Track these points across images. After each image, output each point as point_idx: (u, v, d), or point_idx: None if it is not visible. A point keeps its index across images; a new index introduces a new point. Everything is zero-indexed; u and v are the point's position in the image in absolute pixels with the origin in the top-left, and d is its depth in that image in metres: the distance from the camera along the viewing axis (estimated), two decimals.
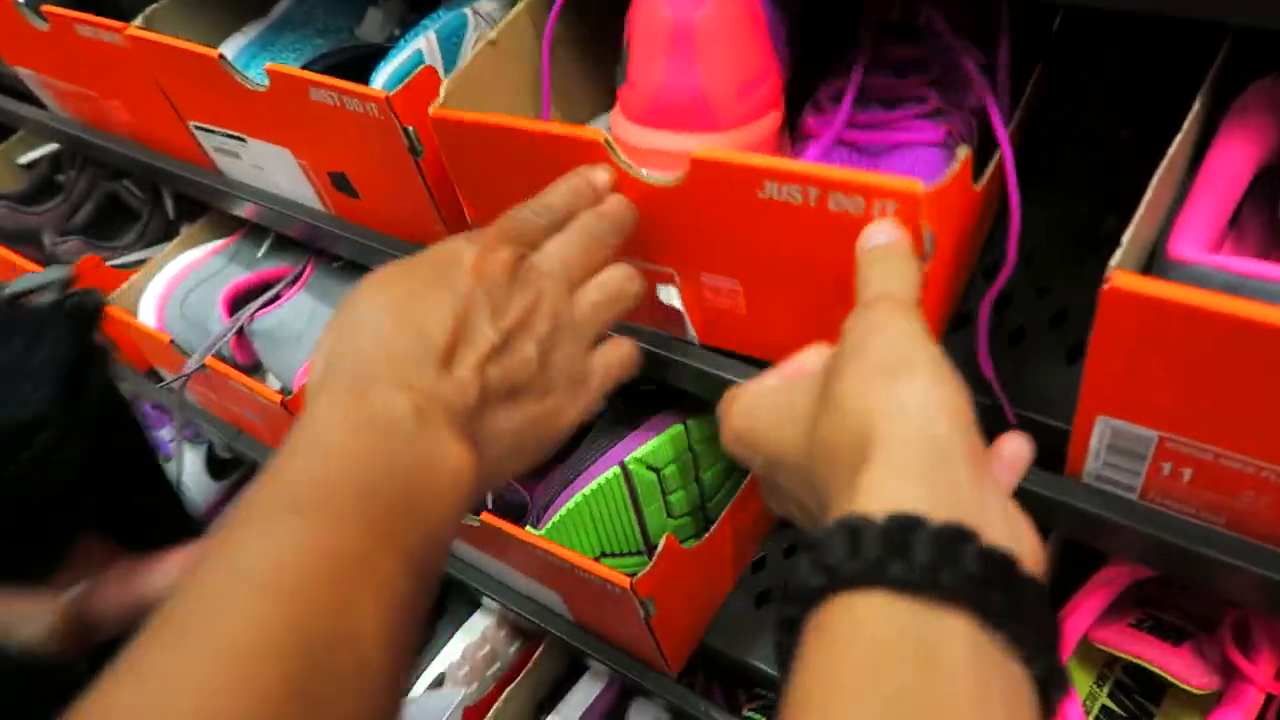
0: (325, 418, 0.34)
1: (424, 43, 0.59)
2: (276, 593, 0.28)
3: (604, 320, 0.44)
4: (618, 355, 0.46)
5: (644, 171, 0.47)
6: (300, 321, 0.77)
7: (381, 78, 0.58)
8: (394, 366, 0.35)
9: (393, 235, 0.67)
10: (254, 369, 0.84)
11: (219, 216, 0.92)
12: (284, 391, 0.75)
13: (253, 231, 0.88)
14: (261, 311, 0.79)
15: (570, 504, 0.61)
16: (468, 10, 0.60)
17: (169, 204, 0.95)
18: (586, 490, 0.60)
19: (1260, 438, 0.37)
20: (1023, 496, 0.46)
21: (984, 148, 0.50)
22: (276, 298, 0.80)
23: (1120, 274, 0.35)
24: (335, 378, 0.35)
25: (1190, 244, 0.39)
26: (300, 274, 0.81)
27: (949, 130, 0.48)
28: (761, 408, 0.38)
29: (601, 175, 0.46)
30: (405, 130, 0.56)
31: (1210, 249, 0.40)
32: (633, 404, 0.65)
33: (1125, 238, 0.36)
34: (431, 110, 0.52)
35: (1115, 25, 0.67)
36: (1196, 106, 0.40)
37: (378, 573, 0.31)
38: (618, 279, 0.45)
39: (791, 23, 0.53)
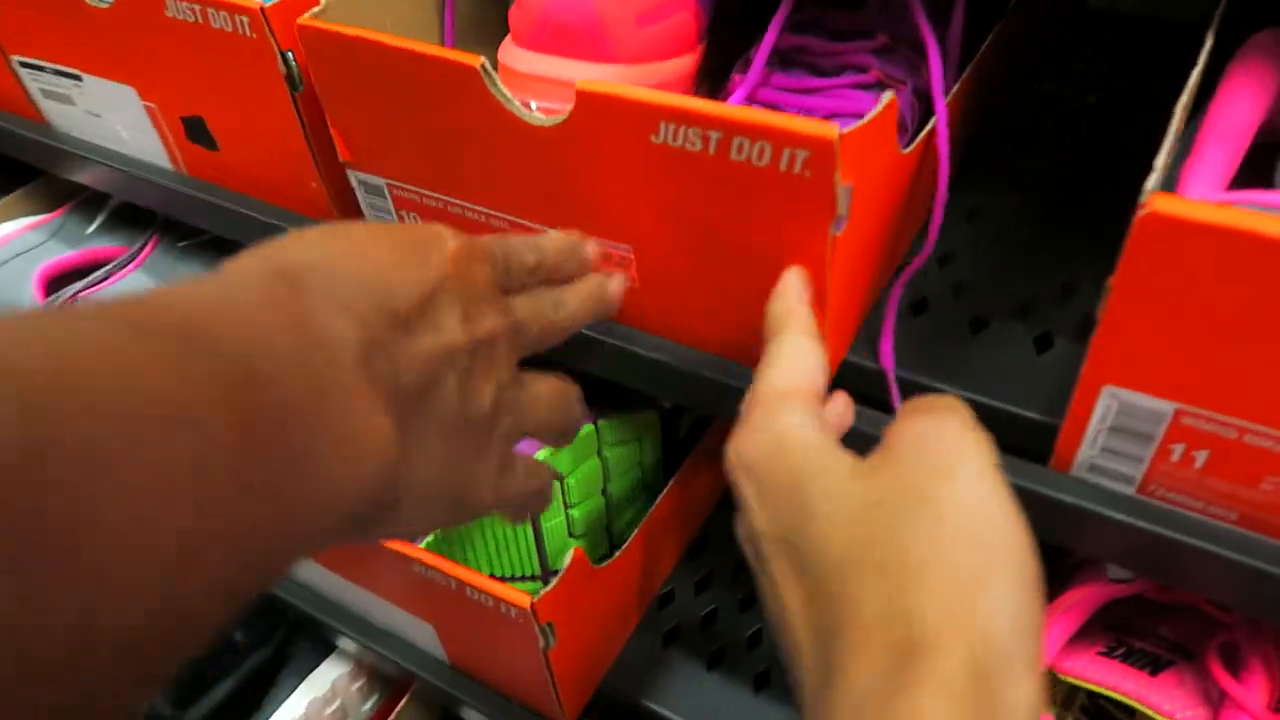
0: (246, 282, 0.27)
1: None
2: None
3: (551, 421, 0.40)
4: (538, 481, 0.40)
5: (533, 105, 0.40)
6: None
7: None
8: (348, 288, 0.29)
9: (259, 198, 0.57)
10: None
11: (41, 189, 0.79)
12: None
13: (84, 205, 0.75)
14: (87, 292, 0.66)
15: None
16: None
17: None
18: None
19: None
20: None
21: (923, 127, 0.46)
22: (105, 278, 0.68)
23: (1162, 197, 0.29)
24: (269, 254, 0.29)
25: (1203, 190, 0.35)
26: (138, 252, 0.69)
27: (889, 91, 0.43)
28: (796, 455, 0.30)
29: (591, 248, 0.42)
30: (283, 55, 0.47)
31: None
32: None
33: (1158, 161, 0.31)
34: (303, 18, 0.44)
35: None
36: (1209, 44, 0.36)
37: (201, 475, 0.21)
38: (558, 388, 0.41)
39: None
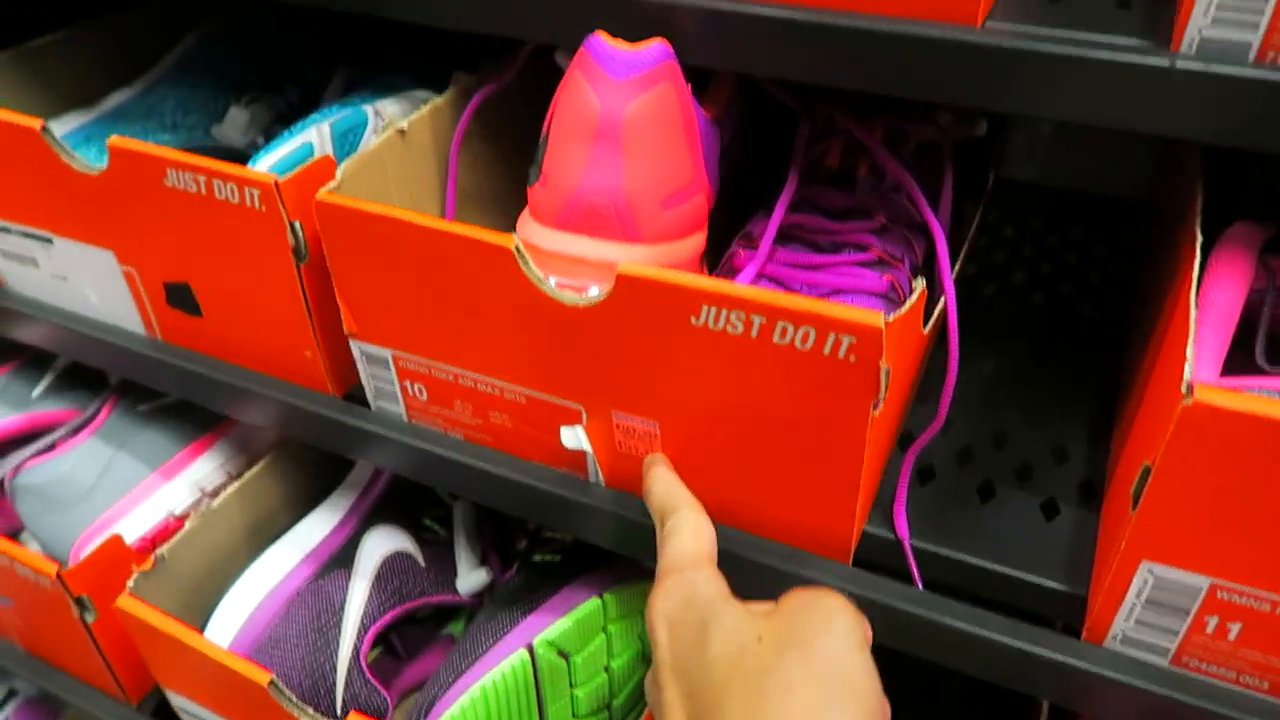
0: None
1: (315, 134, 0.50)
2: None
3: None
4: None
5: (551, 282, 0.41)
6: (89, 476, 0.61)
7: (262, 165, 0.49)
8: None
9: (239, 364, 0.56)
10: (9, 536, 0.65)
11: None
12: (56, 560, 0.58)
13: (29, 365, 0.71)
14: (32, 461, 0.62)
15: (466, 700, 0.48)
16: (368, 108, 0.53)
17: None
18: (488, 682, 0.48)
19: None
20: (1023, 662, 0.40)
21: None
22: (53, 446, 0.64)
23: (1204, 389, 0.31)
24: None
25: (1206, 373, 0.37)
26: (93, 416, 0.65)
27: (891, 281, 0.46)
28: (702, 607, 0.36)
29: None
30: (292, 226, 0.46)
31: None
32: (533, 575, 0.55)
33: (1189, 353, 0.33)
34: (321, 193, 0.44)
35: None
36: (1199, 242, 0.39)
37: None
38: None
39: (724, 146, 0.50)
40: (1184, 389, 0.32)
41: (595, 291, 0.41)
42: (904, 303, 0.47)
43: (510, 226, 0.59)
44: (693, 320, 0.38)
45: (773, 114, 0.57)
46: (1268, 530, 0.33)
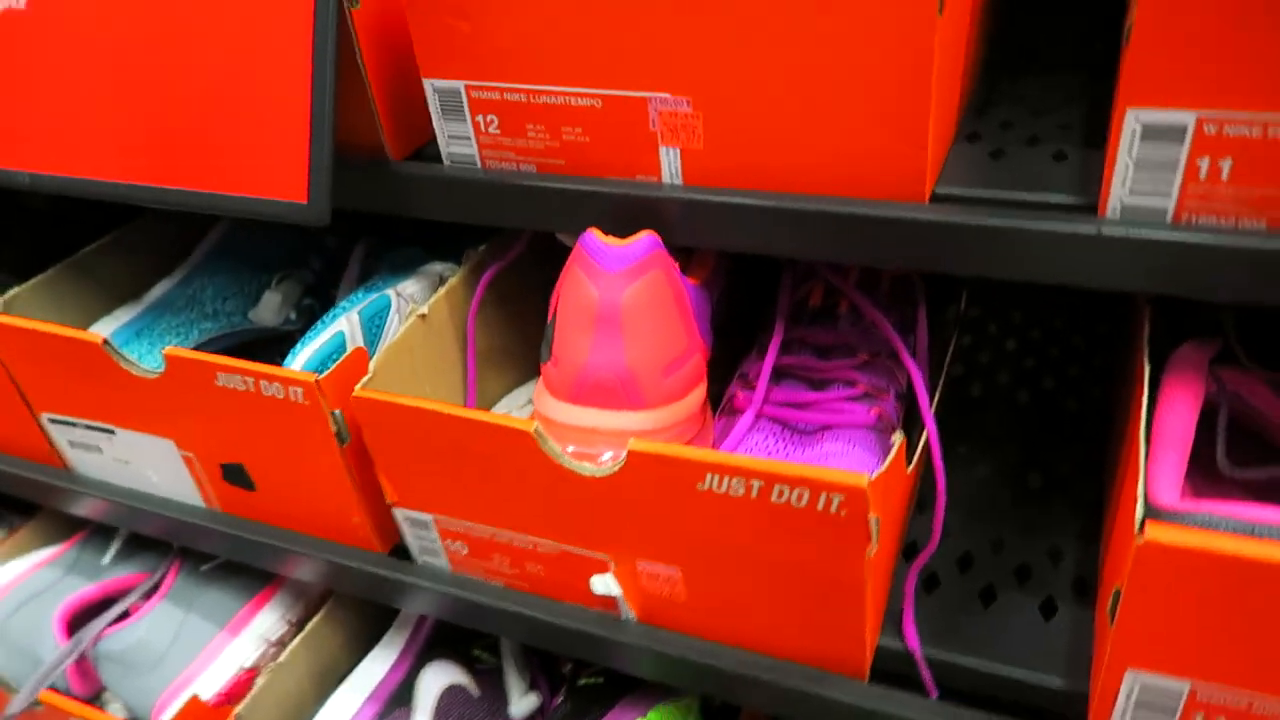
0: None
1: (345, 323, 0.56)
2: None
3: None
4: None
5: (568, 455, 0.46)
6: (164, 640, 0.66)
7: (301, 359, 0.54)
8: None
9: (290, 528, 0.61)
10: (94, 699, 0.70)
11: (48, 521, 0.80)
12: None
13: (96, 535, 0.77)
14: (111, 629, 0.67)
15: None
16: (390, 291, 0.59)
17: None
18: None
19: None
20: None
21: (905, 421, 0.53)
22: (128, 614, 0.69)
23: (1154, 526, 0.35)
24: None
25: (1168, 495, 0.41)
26: (160, 581, 0.71)
27: (879, 413, 0.50)
28: None
29: None
30: (333, 415, 0.52)
31: (1178, 497, 0.42)
32: (579, 700, 0.59)
33: (1139, 491, 0.38)
34: (358, 389, 0.49)
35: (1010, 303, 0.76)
36: (1146, 369, 0.44)
37: None
38: None
39: (714, 302, 0.55)
40: (1137, 528, 0.36)
41: (608, 457, 0.45)
42: (891, 431, 0.52)
43: (522, 380, 0.65)
44: (699, 486, 0.43)
45: (759, 259, 0.62)
46: (1232, 641, 0.37)
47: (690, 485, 0.43)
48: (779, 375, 0.54)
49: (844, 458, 0.49)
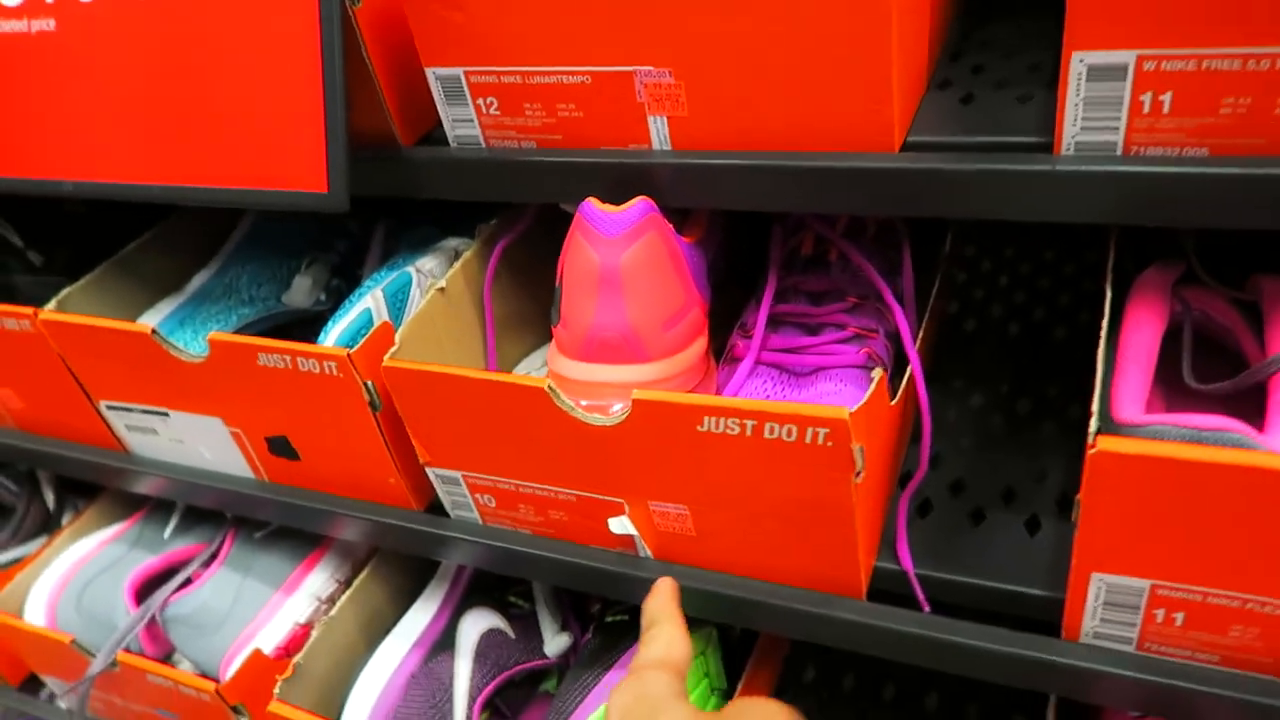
0: None
1: (371, 300, 0.60)
2: None
3: None
4: None
5: (580, 408, 0.50)
6: (225, 602, 0.72)
7: (333, 336, 0.59)
8: None
9: (334, 493, 0.66)
10: (165, 659, 0.76)
11: (111, 501, 0.86)
12: (210, 677, 0.69)
13: (156, 512, 0.83)
14: (176, 595, 0.73)
15: None
16: (410, 268, 0.63)
17: (48, 494, 0.89)
18: None
19: (1243, 573, 0.41)
20: (1021, 664, 0.48)
21: (899, 359, 0.56)
22: (190, 580, 0.75)
23: (1104, 439, 0.39)
24: None
25: (1130, 410, 0.45)
26: (217, 550, 0.76)
27: (868, 353, 0.54)
28: (657, 701, 0.42)
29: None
30: (366, 385, 0.56)
31: (1142, 412, 0.46)
32: (607, 636, 0.64)
33: (1094, 408, 0.41)
34: (386, 360, 0.54)
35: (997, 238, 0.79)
36: (1109, 296, 0.47)
37: None
38: None
39: (711, 259, 0.59)
40: (1089, 440, 0.39)
41: (618, 408, 0.49)
42: (881, 369, 0.55)
43: (538, 343, 0.69)
44: (698, 428, 0.47)
45: (752, 214, 0.65)
46: (1184, 541, 0.40)
47: (690, 428, 0.47)
48: (776, 322, 0.58)
49: (836, 396, 0.53)
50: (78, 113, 0.58)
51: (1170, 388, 0.51)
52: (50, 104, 0.59)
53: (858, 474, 0.45)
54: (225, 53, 0.52)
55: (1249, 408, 0.46)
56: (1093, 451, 0.39)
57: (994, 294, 0.72)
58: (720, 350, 0.60)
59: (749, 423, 0.45)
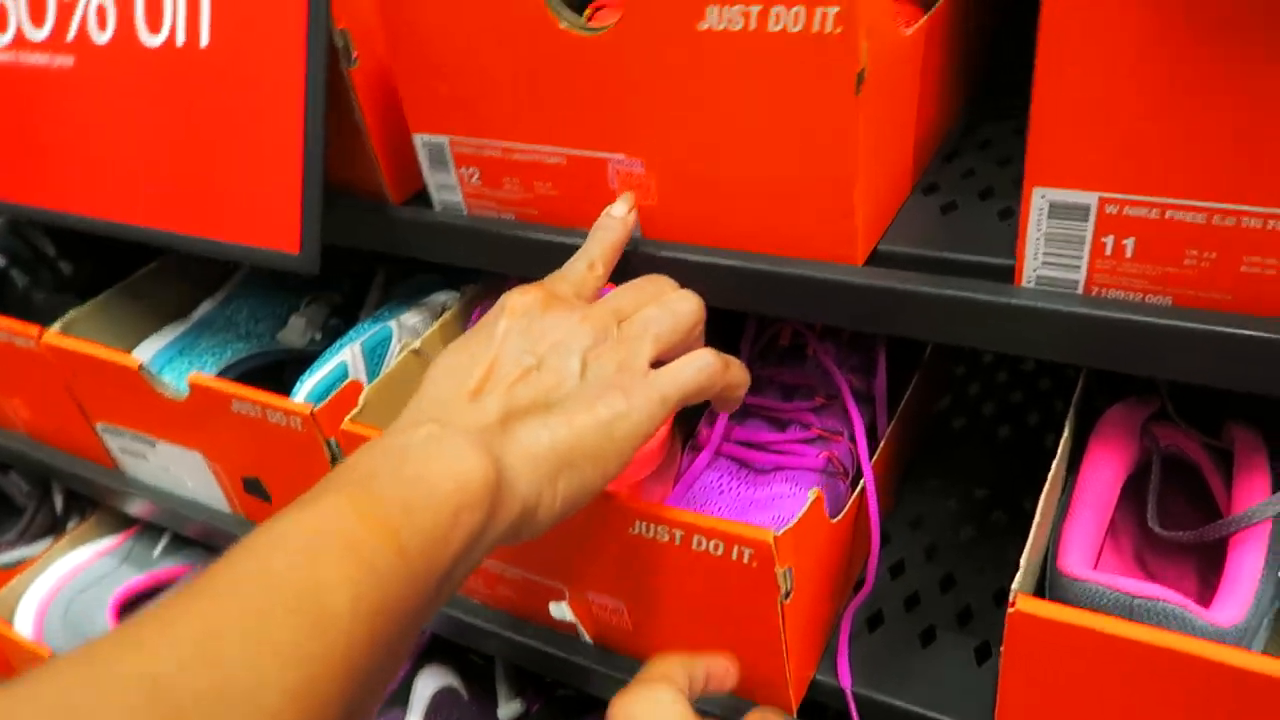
0: (369, 447, 0.37)
1: (349, 354, 0.61)
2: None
3: (661, 333, 0.42)
4: (690, 363, 0.41)
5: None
6: None
7: (305, 389, 0.60)
8: (432, 409, 0.38)
9: None
10: None
11: (110, 513, 0.89)
12: None
13: (148, 529, 0.85)
14: None
15: None
16: (392, 323, 0.63)
17: (58, 499, 0.92)
18: None
19: None
20: None
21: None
22: None
23: (1024, 599, 0.37)
24: (392, 426, 0.38)
25: (1075, 558, 0.43)
26: None
27: (829, 457, 0.53)
28: (655, 706, 0.41)
29: (618, 205, 0.47)
30: (327, 442, 0.57)
31: (1091, 559, 0.44)
32: (557, 712, 0.63)
33: (1023, 560, 0.39)
34: (346, 421, 0.54)
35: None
36: (1066, 432, 0.45)
37: (359, 551, 0.31)
38: (674, 299, 0.43)
39: None
40: (1010, 597, 0.38)
41: None
42: (842, 474, 0.54)
43: None
44: (630, 530, 0.46)
45: None
46: (1104, 708, 0.38)
47: (623, 530, 0.46)
48: (745, 413, 0.57)
49: (791, 499, 0.52)
50: (87, 149, 0.60)
51: (1142, 528, 0.49)
52: (64, 137, 0.61)
53: (785, 595, 0.44)
54: (218, 106, 0.54)
55: (1219, 556, 0.43)
56: (1011, 611, 0.37)
57: (989, 391, 0.70)
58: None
59: (678, 532, 0.44)
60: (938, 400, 0.69)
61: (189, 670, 0.27)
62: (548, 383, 0.39)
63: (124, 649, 0.28)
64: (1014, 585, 0.38)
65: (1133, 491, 0.48)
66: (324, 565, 0.31)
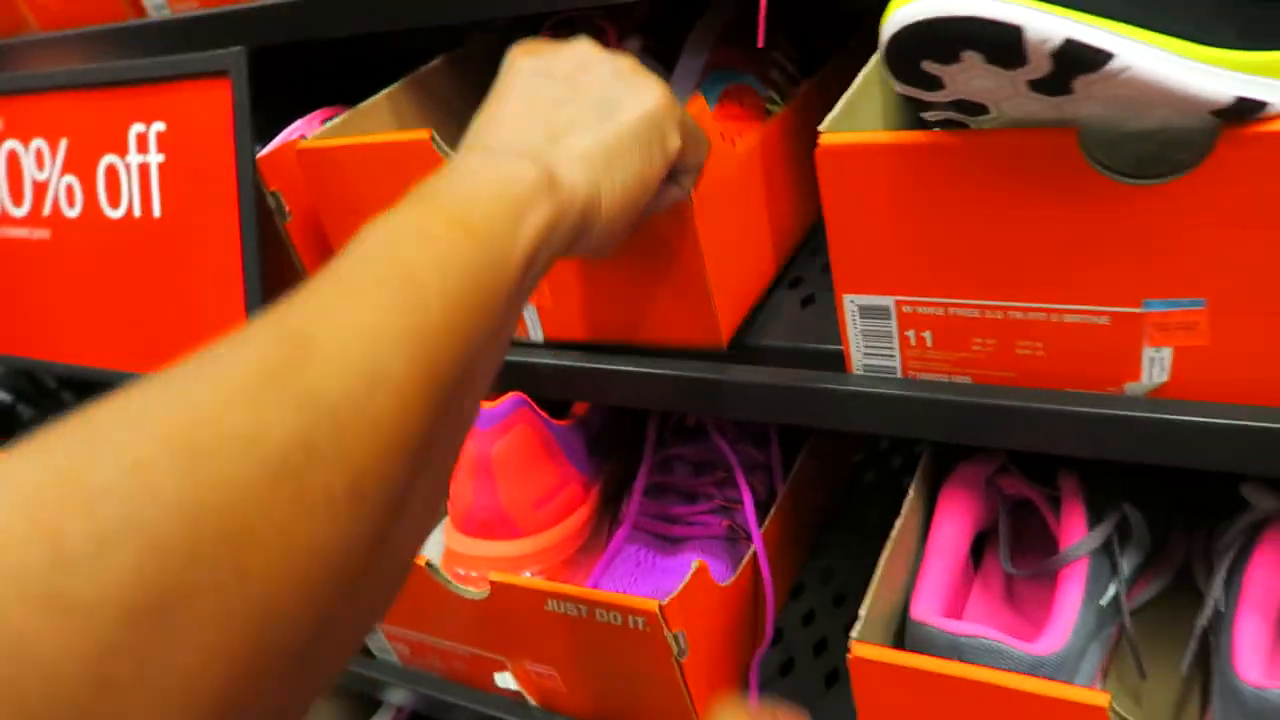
0: (422, 182, 0.35)
1: None
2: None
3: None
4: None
5: (458, 579, 0.57)
6: None
7: None
8: (475, 146, 0.40)
9: None
10: None
11: None
12: None
13: None
14: None
15: None
16: None
17: None
18: None
19: None
20: None
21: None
22: None
23: (858, 645, 0.44)
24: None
25: (927, 605, 0.49)
26: None
27: (730, 524, 0.59)
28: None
29: None
30: None
31: (949, 604, 0.50)
32: None
33: (862, 612, 0.46)
34: None
35: None
36: (910, 495, 0.51)
37: (434, 240, 0.31)
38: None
39: (597, 431, 0.65)
40: (848, 641, 0.44)
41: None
42: (745, 539, 0.60)
43: None
44: (545, 607, 0.53)
45: None
46: None
47: (539, 606, 0.53)
48: (660, 490, 0.64)
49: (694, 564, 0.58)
50: (65, 306, 0.68)
51: (994, 568, 0.55)
52: (46, 297, 0.69)
53: (679, 654, 0.50)
54: (174, 265, 0.62)
55: None
56: (849, 656, 0.44)
57: (897, 445, 0.76)
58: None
59: (583, 607, 0.51)
60: (841, 461, 0.75)
61: (314, 326, 0.26)
62: (580, 100, 0.40)
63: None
64: (853, 634, 0.44)
65: (997, 538, 0.54)
66: (404, 248, 0.30)
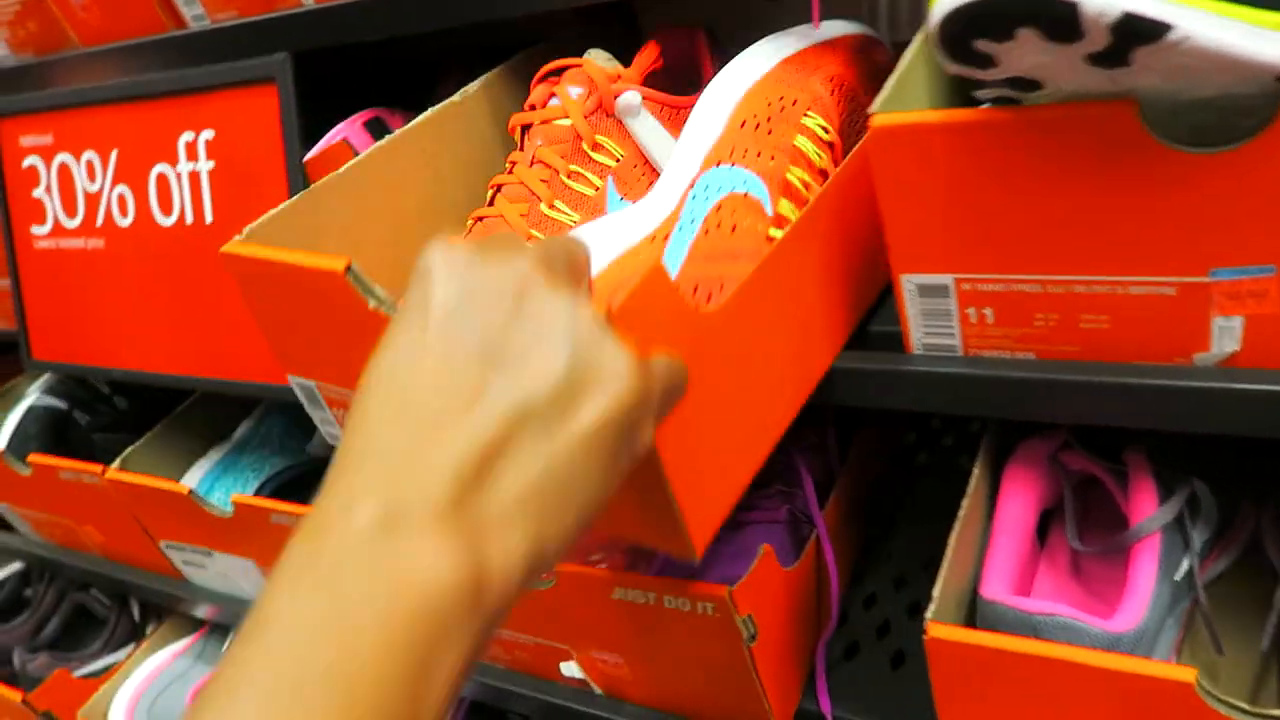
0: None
1: None
2: None
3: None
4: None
5: None
6: None
7: None
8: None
9: None
10: None
11: (182, 617, 0.98)
12: None
13: (216, 629, 0.94)
14: None
15: None
16: None
17: (135, 609, 1.01)
18: None
19: None
20: None
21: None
22: None
23: (934, 625, 0.44)
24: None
25: (997, 584, 0.48)
26: None
27: (790, 509, 0.59)
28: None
29: None
30: None
31: (1018, 582, 0.49)
32: None
33: (935, 592, 0.45)
34: None
35: None
36: (976, 471, 0.51)
37: None
38: None
39: None
40: (924, 626, 0.44)
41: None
42: (806, 522, 0.60)
43: None
44: (612, 595, 0.53)
45: None
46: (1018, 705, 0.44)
47: (606, 595, 0.53)
48: None
49: (758, 547, 0.58)
50: (121, 313, 0.69)
51: (1062, 545, 0.54)
52: (101, 305, 0.70)
53: (749, 639, 0.50)
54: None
55: None
56: (926, 638, 0.44)
57: (949, 424, 0.76)
58: None
59: (651, 595, 0.51)
60: (893, 443, 0.75)
61: None
62: (520, 377, 0.29)
63: None
64: (927, 614, 0.44)
65: (1062, 515, 0.54)
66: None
